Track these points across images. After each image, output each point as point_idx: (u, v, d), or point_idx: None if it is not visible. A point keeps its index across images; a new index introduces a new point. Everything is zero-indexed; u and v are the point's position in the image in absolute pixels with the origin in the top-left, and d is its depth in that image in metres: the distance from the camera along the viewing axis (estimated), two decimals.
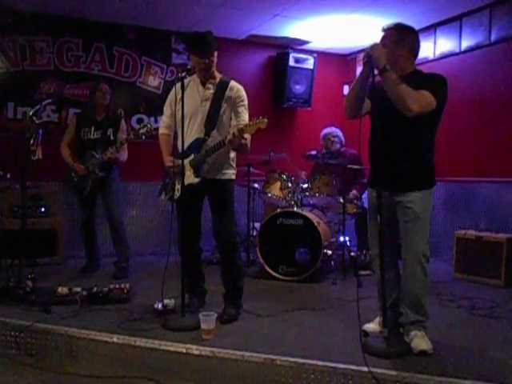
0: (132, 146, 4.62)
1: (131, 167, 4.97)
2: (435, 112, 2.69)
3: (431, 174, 2.87)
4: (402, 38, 2.78)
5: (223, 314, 3.22)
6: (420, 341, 2.71)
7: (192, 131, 3.26)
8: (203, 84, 3.29)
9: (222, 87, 3.26)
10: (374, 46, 2.66)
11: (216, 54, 3.24)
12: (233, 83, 3.30)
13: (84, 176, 4.44)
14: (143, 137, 4.18)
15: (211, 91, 3.26)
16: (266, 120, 2.95)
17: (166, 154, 3.38)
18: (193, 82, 3.31)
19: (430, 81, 2.74)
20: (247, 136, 3.09)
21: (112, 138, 4.49)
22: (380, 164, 2.83)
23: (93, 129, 4.51)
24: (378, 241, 2.74)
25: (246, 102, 3.30)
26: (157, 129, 3.82)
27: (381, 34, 2.83)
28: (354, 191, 5.11)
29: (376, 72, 2.66)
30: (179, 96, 3.15)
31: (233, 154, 3.34)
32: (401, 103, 2.60)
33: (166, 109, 3.47)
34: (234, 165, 3.39)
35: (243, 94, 3.30)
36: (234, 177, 3.38)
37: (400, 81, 2.60)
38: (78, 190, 4.51)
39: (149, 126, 4.22)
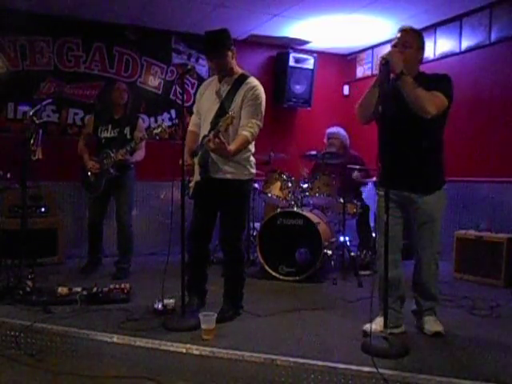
0: None
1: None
2: (444, 111, 2.78)
3: (443, 173, 2.98)
4: (422, 43, 2.90)
5: (219, 313, 3.19)
6: (433, 323, 2.96)
7: (204, 129, 3.25)
8: (220, 81, 3.27)
9: (238, 84, 3.19)
10: (391, 51, 2.75)
11: (229, 52, 3.17)
12: (250, 79, 3.21)
13: (99, 175, 4.43)
14: (157, 137, 4.16)
15: (226, 88, 3.23)
16: (232, 114, 2.92)
17: (187, 153, 3.28)
18: (214, 79, 3.32)
19: (438, 81, 2.83)
20: (222, 140, 2.95)
21: (129, 136, 4.47)
22: (394, 165, 2.82)
23: (110, 127, 4.51)
24: (384, 239, 2.76)
25: (258, 101, 3.15)
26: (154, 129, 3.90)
27: (398, 34, 2.90)
28: (356, 173, 5.12)
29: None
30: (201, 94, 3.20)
31: (247, 154, 3.26)
32: (419, 106, 2.69)
33: (194, 107, 3.49)
34: (249, 165, 3.28)
35: (256, 91, 3.16)
36: (245, 177, 3.27)
37: (417, 84, 2.69)
38: (91, 188, 4.50)
39: (163, 126, 4.21)
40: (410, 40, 2.83)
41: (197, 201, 3.30)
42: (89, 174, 4.48)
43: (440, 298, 3.17)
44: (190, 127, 3.48)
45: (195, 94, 3.83)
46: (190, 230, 3.35)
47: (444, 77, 2.87)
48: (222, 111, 3.14)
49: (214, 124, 3.11)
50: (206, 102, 3.27)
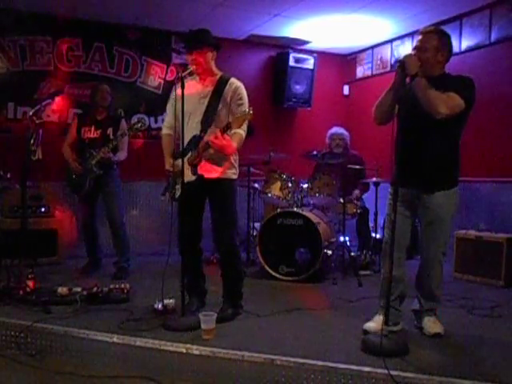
0: (133, 145, 4.62)
1: (132, 167, 4.98)
2: (462, 113, 2.79)
3: (455, 174, 3.00)
4: (443, 44, 2.90)
5: (219, 312, 3.19)
6: (433, 324, 2.97)
7: (191, 129, 3.24)
8: (202, 82, 3.29)
9: (221, 84, 3.25)
10: (407, 55, 2.79)
11: (209, 51, 3.22)
12: (232, 80, 3.28)
13: (82, 174, 4.45)
14: (138, 132, 4.18)
15: (209, 88, 3.26)
16: (251, 112, 2.96)
17: (167, 156, 3.37)
18: (193, 80, 3.32)
19: (458, 83, 2.85)
20: (228, 137, 3.03)
21: (112, 137, 4.49)
22: (408, 164, 2.86)
23: (93, 128, 4.54)
24: (391, 237, 2.77)
25: (244, 100, 3.25)
26: (154, 129, 3.85)
27: (418, 36, 2.94)
28: (357, 191, 5.13)
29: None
30: (180, 95, 3.14)
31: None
32: (430, 106, 2.72)
33: (168, 108, 3.46)
34: (236, 164, 3.34)
35: (242, 91, 3.26)
36: (234, 176, 3.32)
37: (429, 85, 2.72)
38: (77, 188, 4.52)
39: (143, 121, 4.25)
40: (425, 43, 2.86)
41: (186, 201, 3.24)
42: (73, 175, 4.51)
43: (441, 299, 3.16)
44: (165, 130, 3.46)
45: None
46: (182, 232, 3.33)
47: (465, 79, 2.89)
48: (210, 111, 3.19)
49: (206, 123, 3.16)
50: (188, 103, 3.19)
